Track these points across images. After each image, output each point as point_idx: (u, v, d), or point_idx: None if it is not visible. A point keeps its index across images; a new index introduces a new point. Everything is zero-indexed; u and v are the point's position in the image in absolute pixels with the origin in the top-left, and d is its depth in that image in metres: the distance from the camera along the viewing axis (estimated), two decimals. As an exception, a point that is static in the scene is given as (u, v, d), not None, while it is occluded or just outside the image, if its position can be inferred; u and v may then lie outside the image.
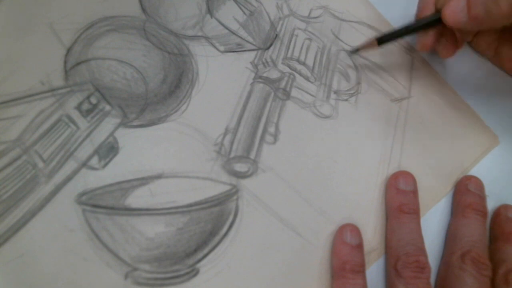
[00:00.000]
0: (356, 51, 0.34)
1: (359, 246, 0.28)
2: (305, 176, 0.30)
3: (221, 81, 0.32)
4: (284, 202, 0.29)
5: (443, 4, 0.30)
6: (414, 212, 0.30)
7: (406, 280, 0.27)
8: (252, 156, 0.30)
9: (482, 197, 0.31)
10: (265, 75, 0.33)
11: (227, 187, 0.29)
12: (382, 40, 0.33)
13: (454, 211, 0.31)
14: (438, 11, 0.31)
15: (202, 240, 0.27)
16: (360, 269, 0.27)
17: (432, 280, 0.29)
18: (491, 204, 0.32)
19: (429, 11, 0.33)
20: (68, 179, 0.28)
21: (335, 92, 0.33)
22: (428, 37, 0.32)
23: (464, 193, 0.31)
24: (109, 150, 0.29)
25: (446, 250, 0.30)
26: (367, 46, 0.34)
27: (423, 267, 0.27)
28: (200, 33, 0.33)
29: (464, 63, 0.37)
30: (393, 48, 0.36)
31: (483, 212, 0.30)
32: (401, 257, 0.27)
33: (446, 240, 0.31)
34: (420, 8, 0.34)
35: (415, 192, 0.31)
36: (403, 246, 0.28)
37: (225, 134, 0.30)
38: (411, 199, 0.30)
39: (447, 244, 0.30)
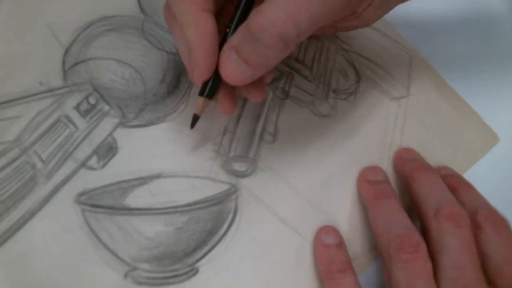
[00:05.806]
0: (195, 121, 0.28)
1: (340, 245, 0.28)
2: (305, 175, 0.30)
3: (219, 80, 0.32)
4: (284, 201, 0.29)
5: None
6: (392, 196, 0.28)
7: (403, 264, 0.25)
8: (251, 155, 0.30)
9: (420, 159, 0.31)
10: (264, 74, 0.33)
11: (226, 186, 0.29)
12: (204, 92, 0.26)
13: (405, 180, 0.30)
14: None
15: (201, 239, 0.27)
16: (346, 267, 0.27)
17: None
18: (491, 204, 0.32)
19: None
20: (67, 179, 0.28)
21: (334, 91, 0.33)
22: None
23: (403, 163, 0.31)
24: (108, 150, 0.29)
25: (419, 219, 0.28)
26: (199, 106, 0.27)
27: (417, 244, 0.25)
28: (198, 33, 0.33)
29: (463, 62, 0.36)
30: (392, 46, 0.36)
31: (429, 167, 0.30)
32: (392, 241, 0.25)
33: (415, 210, 0.29)
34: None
35: (387, 181, 0.30)
36: (390, 230, 0.26)
37: (224, 134, 0.30)
38: (386, 186, 0.29)
39: (417, 213, 0.28)
